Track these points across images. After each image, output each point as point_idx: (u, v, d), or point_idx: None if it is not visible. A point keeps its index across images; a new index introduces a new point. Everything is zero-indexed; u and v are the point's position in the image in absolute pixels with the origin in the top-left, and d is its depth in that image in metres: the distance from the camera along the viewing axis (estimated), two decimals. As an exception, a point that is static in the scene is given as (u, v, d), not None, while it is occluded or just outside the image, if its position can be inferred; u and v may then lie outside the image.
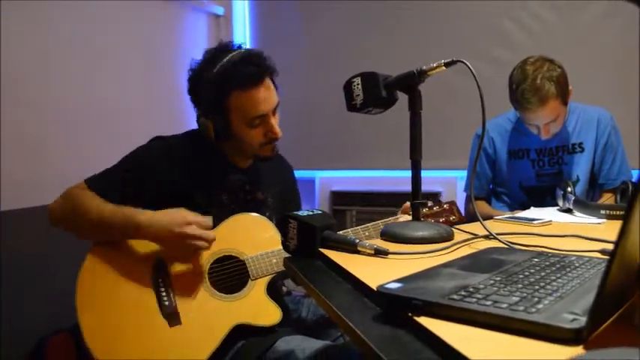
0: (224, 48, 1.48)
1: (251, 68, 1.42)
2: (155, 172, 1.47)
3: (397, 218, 1.53)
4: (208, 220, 1.38)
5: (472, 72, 1.03)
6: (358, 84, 1.12)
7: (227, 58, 1.42)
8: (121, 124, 2.62)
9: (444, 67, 1.07)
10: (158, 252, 1.40)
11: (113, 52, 2.62)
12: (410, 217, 1.49)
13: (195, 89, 1.50)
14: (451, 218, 1.58)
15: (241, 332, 1.38)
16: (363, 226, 1.48)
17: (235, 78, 1.41)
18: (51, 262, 2.07)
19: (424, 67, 1.09)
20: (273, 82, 1.50)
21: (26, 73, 2.20)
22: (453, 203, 1.61)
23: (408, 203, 1.56)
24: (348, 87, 1.14)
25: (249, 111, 1.44)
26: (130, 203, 1.44)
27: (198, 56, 1.53)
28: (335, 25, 3.27)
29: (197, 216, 1.37)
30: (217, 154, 1.57)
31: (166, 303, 1.36)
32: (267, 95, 1.45)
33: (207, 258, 1.43)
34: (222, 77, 1.41)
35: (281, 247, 1.44)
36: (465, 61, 1.04)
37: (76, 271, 1.36)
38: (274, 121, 1.49)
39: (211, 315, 1.38)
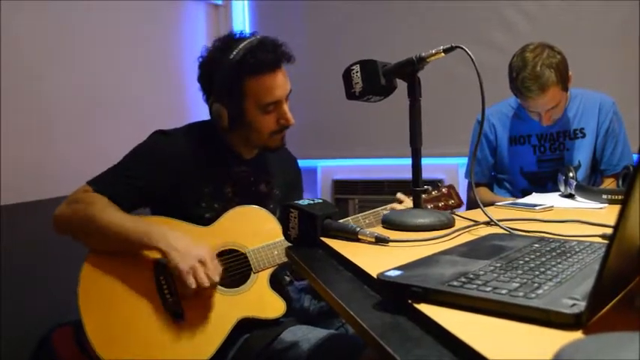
0: (238, 36, 1.48)
1: (268, 55, 1.43)
2: (158, 167, 1.45)
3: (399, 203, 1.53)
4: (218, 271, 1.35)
5: (471, 58, 1.02)
6: (357, 72, 1.12)
7: (243, 44, 1.43)
8: (121, 116, 2.62)
9: (442, 54, 1.06)
10: None
11: (112, 43, 2.61)
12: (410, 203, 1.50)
13: (208, 75, 1.48)
14: (450, 202, 1.58)
15: (245, 325, 1.38)
16: (363, 213, 1.48)
17: (252, 64, 1.42)
18: (52, 257, 2.05)
19: (423, 54, 1.08)
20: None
21: (28, 66, 2.20)
22: (451, 187, 1.61)
23: (398, 194, 1.55)
24: (347, 75, 1.13)
25: (264, 97, 1.45)
26: (138, 205, 1.45)
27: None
28: (335, 13, 3.24)
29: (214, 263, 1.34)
30: (222, 145, 1.56)
31: (169, 299, 1.35)
32: (282, 82, 1.47)
33: None
34: (239, 62, 1.41)
35: (281, 239, 1.45)
36: (463, 47, 1.03)
37: (77, 266, 1.34)
38: (287, 108, 1.50)
39: (216, 310, 1.37)
